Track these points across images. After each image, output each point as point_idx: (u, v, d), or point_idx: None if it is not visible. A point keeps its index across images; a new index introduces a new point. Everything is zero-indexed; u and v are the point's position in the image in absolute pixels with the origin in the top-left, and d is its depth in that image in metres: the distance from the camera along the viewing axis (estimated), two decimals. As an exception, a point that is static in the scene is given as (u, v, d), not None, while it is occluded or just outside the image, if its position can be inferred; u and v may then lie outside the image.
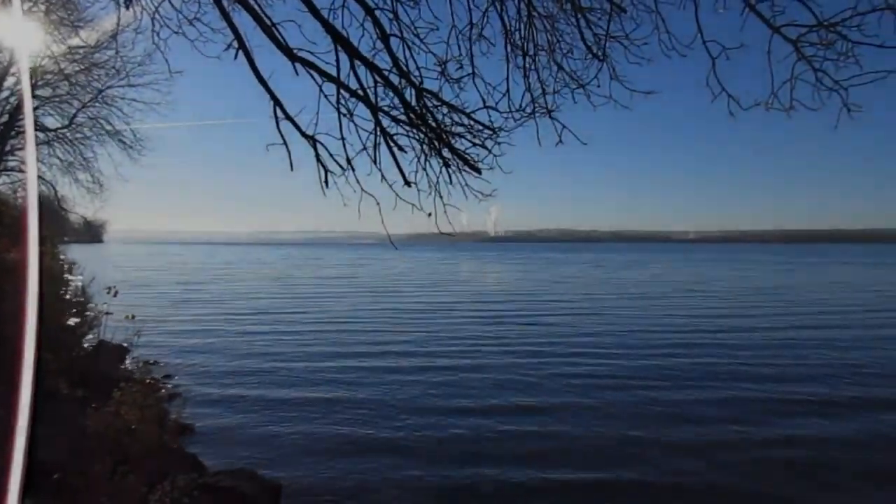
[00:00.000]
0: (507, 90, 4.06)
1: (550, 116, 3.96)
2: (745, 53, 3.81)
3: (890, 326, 17.25)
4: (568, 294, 27.69)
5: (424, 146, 4.03)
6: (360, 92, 3.93)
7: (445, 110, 4.15)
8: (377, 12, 3.97)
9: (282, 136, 3.88)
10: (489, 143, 4.14)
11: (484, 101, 4.17)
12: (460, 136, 4.24)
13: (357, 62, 3.84)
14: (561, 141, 3.98)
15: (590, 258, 76.04)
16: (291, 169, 4.01)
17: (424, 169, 4.00)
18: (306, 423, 8.39)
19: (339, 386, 10.33)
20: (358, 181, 3.89)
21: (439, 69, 4.15)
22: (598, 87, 4.04)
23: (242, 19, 3.69)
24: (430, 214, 4.31)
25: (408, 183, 3.89)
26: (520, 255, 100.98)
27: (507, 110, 4.09)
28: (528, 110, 4.03)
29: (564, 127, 3.99)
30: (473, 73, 4.16)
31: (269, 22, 3.66)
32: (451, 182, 3.94)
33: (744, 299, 24.61)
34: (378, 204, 3.92)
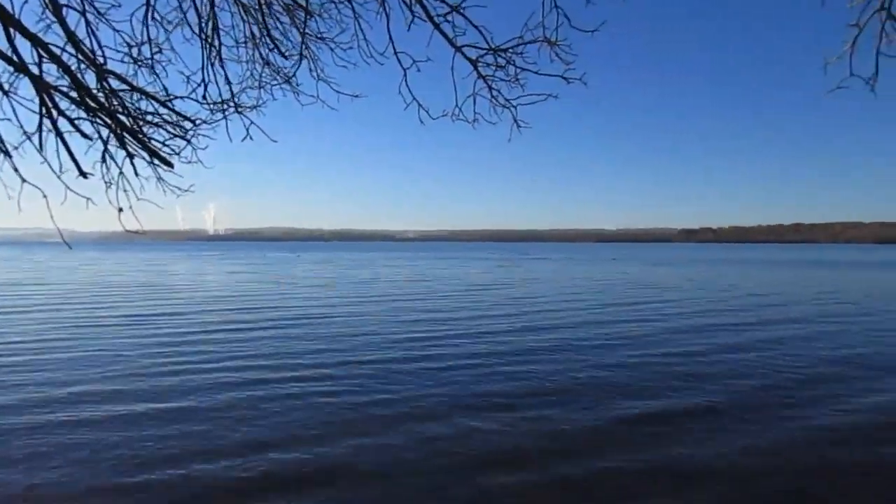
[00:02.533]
0: (204, 80, 3.84)
1: (238, 111, 3.83)
2: (440, 69, 4.10)
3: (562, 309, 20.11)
4: (304, 293, 25.79)
5: (108, 134, 3.62)
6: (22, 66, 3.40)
7: (137, 97, 3.79)
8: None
9: None
10: (190, 136, 3.90)
11: (185, 92, 3.91)
12: (157, 125, 3.93)
13: (13, 30, 3.30)
14: (250, 136, 3.89)
15: (322, 258, 76.17)
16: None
17: (105, 160, 3.59)
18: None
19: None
20: (16, 169, 3.35)
21: (128, 51, 3.77)
22: (299, 84, 4.00)
23: None
24: (120, 210, 3.91)
25: (83, 174, 3.46)
26: (230, 254, 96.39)
27: (208, 102, 3.87)
28: (229, 104, 3.86)
29: (253, 123, 3.91)
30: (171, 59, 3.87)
31: None
32: (137, 175, 3.60)
33: (467, 291, 26.53)
34: (45, 197, 3.42)
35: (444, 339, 13.05)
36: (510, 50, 3.92)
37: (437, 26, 3.79)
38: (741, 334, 13.85)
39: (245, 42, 4.36)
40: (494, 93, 4.00)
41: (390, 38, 3.79)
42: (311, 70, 4.10)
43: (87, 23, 3.65)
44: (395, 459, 5.96)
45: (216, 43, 3.85)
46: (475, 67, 3.96)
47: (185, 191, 3.82)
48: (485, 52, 3.93)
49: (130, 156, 3.54)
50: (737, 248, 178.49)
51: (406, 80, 3.88)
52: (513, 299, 22.52)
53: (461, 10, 3.71)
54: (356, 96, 4.20)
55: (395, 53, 3.83)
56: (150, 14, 3.95)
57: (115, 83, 3.82)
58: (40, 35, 3.44)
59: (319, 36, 4.08)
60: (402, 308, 19.31)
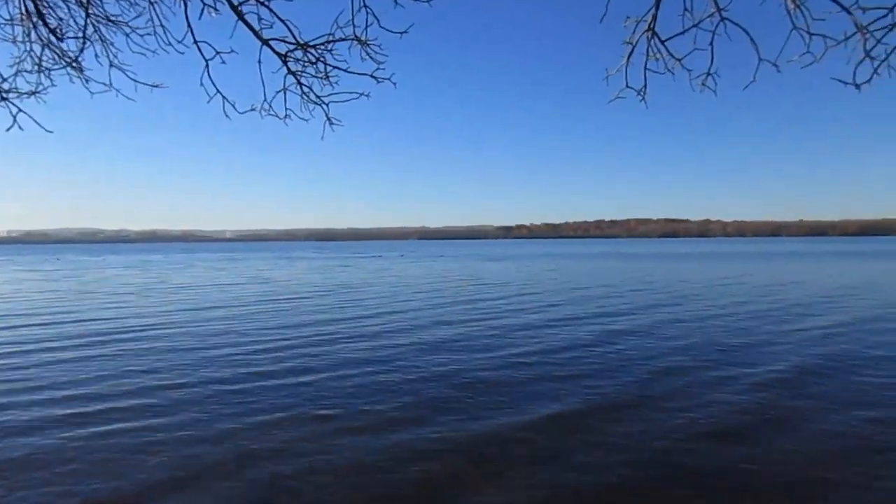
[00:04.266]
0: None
1: (3, 97, 3.40)
2: (248, 62, 3.94)
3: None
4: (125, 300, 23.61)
5: None
6: None
7: None
8: None
9: None
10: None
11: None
12: None
13: None
14: (18, 125, 3.48)
15: (135, 260, 68.94)
16: None
17: None
18: None
19: None
20: None
21: None
22: (88, 70, 3.63)
23: None
24: None
25: None
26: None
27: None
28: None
29: (21, 111, 3.49)
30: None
31: None
32: None
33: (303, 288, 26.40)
34: None
35: (323, 346, 12.61)
36: (320, 46, 3.88)
37: (240, 16, 3.64)
38: (625, 321, 15.12)
39: (21, 18, 3.86)
40: (305, 89, 3.94)
41: (189, 25, 3.57)
42: (98, 55, 3.72)
43: None
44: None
45: None
46: (284, 63, 3.87)
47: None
48: (294, 47, 3.85)
49: None
50: (552, 243, 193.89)
51: (209, 72, 3.68)
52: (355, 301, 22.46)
53: (265, 3, 3.60)
54: (156, 86, 3.90)
55: (196, 42, 3.62)
56: None
57: None
58: None
59: (109, 18, 3.73)
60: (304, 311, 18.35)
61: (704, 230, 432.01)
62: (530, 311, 17.26)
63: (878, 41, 3.18)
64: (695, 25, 4.00)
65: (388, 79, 3.85)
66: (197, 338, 13.00)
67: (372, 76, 3.83)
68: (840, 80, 3.12)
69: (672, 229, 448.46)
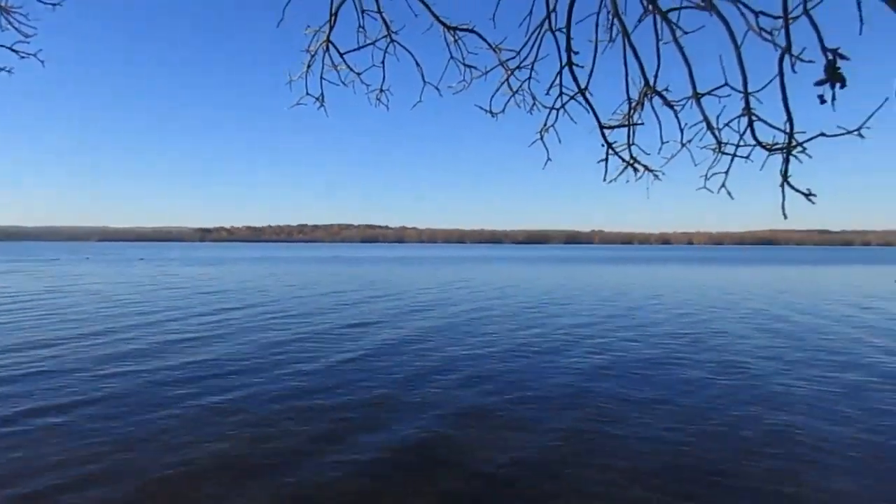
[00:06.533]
0: None
1: None
2: None
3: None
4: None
5: None
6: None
7: None
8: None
9: None
10: None
11: None
12: None
13: None
14: None
15: None
16: None
17: None
18: None
19: None
20: None
21: None
22: None
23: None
24: None
25: None
26: None
27: None
28: None
29: None
30: None
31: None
32: None
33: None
34: None
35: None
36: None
37: None
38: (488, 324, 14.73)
39: None
40: None
41: None
42: None
43: None
44: None
45: None
46: None
47: None
48: None
49: None
50: (256, 247, 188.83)
51: None
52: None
53: None
54: None
55: None
56: None
57: None
58: None
59: None
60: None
61: (401, 236, 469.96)
62: (289, 320, 16.27)
63: (511, 72, 3.81)
64: (372, 44, 4.26)
65: (34, 55, 3.20)
66: None
67: (12, 49, 3.14)
68: (480, 107, 3.63)
69: (372, 235, 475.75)
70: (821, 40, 2.08)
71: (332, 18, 3.91)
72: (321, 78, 3.89)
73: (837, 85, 2.08)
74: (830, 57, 2.07)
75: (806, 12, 2.09)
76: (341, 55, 4.16)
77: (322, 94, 3.97)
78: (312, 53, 4.05)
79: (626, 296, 24.41)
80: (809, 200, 2.46)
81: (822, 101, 2.09)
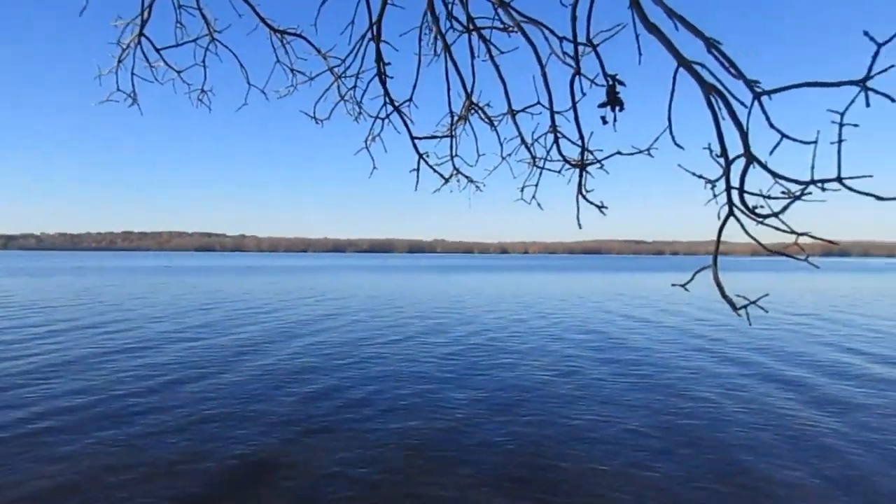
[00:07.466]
0: None
1: None
2: None
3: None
4: None
5: None
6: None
7: None
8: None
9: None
10: None
11: None
12: None
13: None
14: None
15: None
16: None
17: None
18: None
19: None
20: None
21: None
22: None
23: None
24: None
25: None
26: None
27: None
28: None
29: None
30: None
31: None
32: None
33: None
34: None
35: None
36: None
37: None
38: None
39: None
40: None
41: None
42: None
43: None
44: None
45: None
46: None
47: None
48: None
49: None
50: (74, 255, 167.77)
51: None
52: None
53: None
54: None
55: None
56: None
57: None
58: None
59: None
60: None
61: (240, 245, 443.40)
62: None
63: (337, 77, 3.83)
64: (193, 41, 4.01)
65: None
66: None
67: None
68: (306, 113, 3.61)
69: (208, 243, 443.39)
70: (602, 67, 2.38)
71: (146, 11, 3.64)
72: (132, 73, 3.60)
73: (617, 108, 2.39)
74: (611, 82, 2.37)
75: (589, 41, 2.37)
76: (157, 51, 3.88)
77: (134, 90, 3.67)
78: (124, 47, 3.73)
79: (462, 302, 25.55)
80: (601, 212, 2.79)
81: (605, 122, 2.39)
